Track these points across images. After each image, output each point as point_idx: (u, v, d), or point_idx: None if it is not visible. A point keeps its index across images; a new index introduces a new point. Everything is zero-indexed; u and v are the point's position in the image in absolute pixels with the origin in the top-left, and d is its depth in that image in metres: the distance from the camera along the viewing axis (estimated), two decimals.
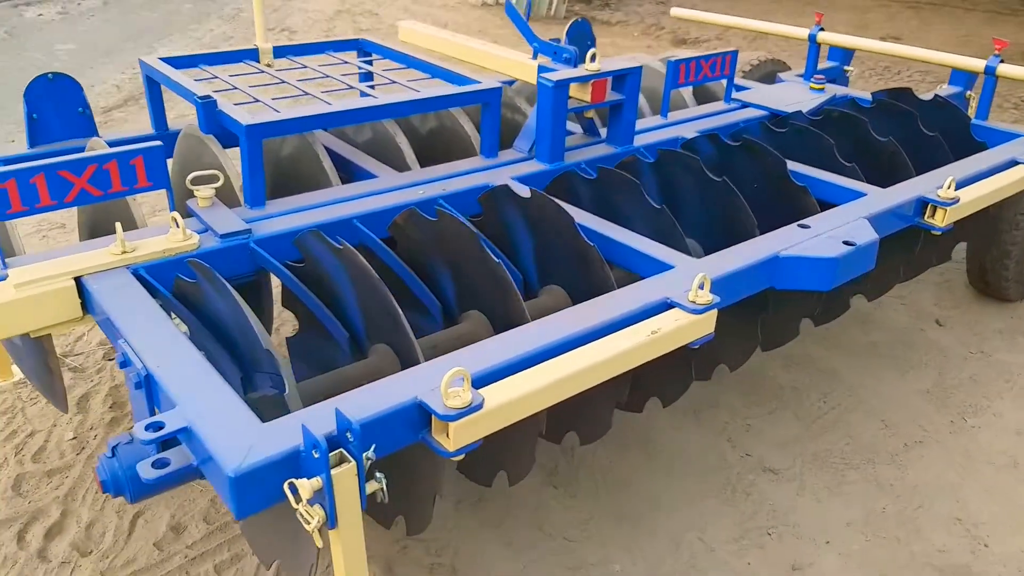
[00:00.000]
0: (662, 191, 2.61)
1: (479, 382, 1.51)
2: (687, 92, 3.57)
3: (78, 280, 1.84)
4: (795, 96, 3.42)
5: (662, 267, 2.03)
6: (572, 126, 2.99)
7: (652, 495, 2.48)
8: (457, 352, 1.61)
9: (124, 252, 1.91)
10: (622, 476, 2.55)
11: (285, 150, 2.70)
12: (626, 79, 2.72)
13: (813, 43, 3.78)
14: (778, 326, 2.64)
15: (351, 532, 1.36)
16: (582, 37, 3.94)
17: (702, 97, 3.70)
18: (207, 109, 2.23)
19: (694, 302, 1.79)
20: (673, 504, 2.45)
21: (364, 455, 1.34)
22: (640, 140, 2.91)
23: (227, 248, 2.05)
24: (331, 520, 1.31)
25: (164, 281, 1.93)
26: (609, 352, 1.63)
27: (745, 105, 3.38)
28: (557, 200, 2.40)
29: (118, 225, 1.91)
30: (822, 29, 3.78)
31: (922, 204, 2.49)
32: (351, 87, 2.66)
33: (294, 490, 1.29)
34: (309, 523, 1.28)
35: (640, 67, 2.75)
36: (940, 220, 2.47)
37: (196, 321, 1.91)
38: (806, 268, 2.08)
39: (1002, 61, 3.45)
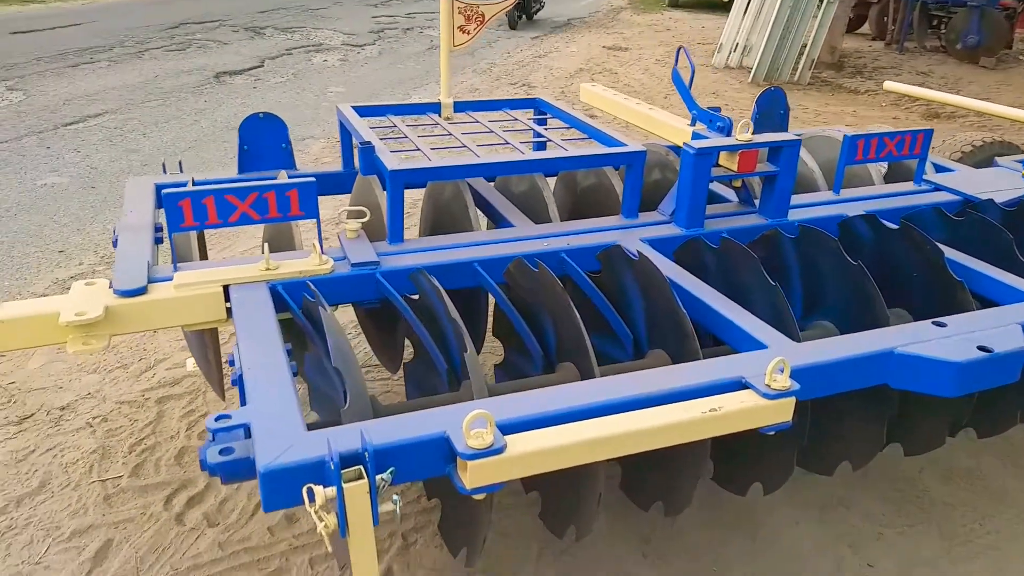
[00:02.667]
0: (803, 269, 2.50)
1: (513, 428, 1.56)
2: (876, 169, 3.36)
3: (226, 288, 2.16)
4: (998, 183, 3.08)
5: (756, 345, 1.96)
6: (730, 193, 2.95)
7: None
8: (500, 398, 1.68)
9: (268, 269, 2.21)
10: (719, 559, 2.43)
11: (446, 194, 2.93)
12: (782, 151, 2.65)
13: None
14: (919, 431, 2.40)
15: (361, 543, 1.47)
16: (774, 105, 3.86)
17: (898, 175, 3.45)
18: (365, 153, 2.51)
19: (769, 386, 1.72)
20: None
21: (378, 476, 1.45)
22: (797, 214, 2.79)
23: (355, 276, 2.28)
24: (342, 529, 1.44)
25: (297, 298, 2.20)
26: (652, 422, 1.61)
27: (937, 188, 3.11)
28: (682, 267, 2.42)
29: (266, 246, 2.22)
30: None
31: None
32: (507, 143, 2.84)
33: (311, 494, 1.43)
34: (318, 525, 1.42)
35: (798, 140, 2.66)
36: None
37: (315, 335, 2.16)
38: (925, 369, 1.89)
39: None
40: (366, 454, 1.45)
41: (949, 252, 2.52)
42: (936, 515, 2.63)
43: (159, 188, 2.87)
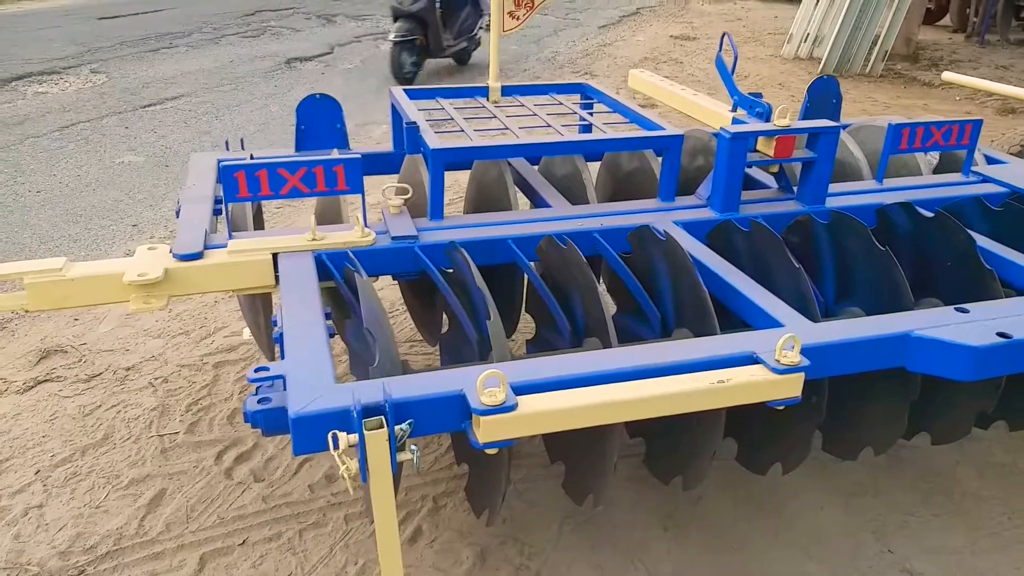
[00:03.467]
0: (835, 255, 2.52)
1: (527, 390, 1.66)
2: (926, 160, 3.32)
3: (275, 256, 2.31)
4: None
5: (773, 323, 2.01)
6: (772, 180, 2.98)
7: (761, 565, 2.39)
8: (515, 362, 1.78)
9: (314, 239, 2.35)
10: (737, 538, 2.48)
11: (489, 175, 3.03)
12: (820, 138, 2.66)
13: None
14: (944, 419, 2.41)
15: (381, 487, 1.59)
16: (826, 93, 3.85)
17: (950, 168, 3.41)
18: (410, 133, 2.63)
19: (779, 361, 1.77)
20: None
21: (397, 427, 1.57)
22: (837, 202, 2.79)
23: (395, 249, 2.40)
24: (363, 474, 1.56)
25: (340, 267, 2.34)
26: (660, 390, 1.68)
27: (985, 180, 3.06)
28: (714, 249, 2.47)
29: (312, 218, 2.36)
30: None
31: None
32: (549, 125, 2.93)
33: (335, 440, 1.55)
34: (341, 468, 1.54)
35: (838, 127, 2.67)
36: None
37: (355, 302, 2.29)
38: (941, 353, 1.91)
39: None
40: (386, 406, 1.57)
41: (985, 242, 2.51)
42: (966, 507, 2.63)
43: (220, 163, 3.05)
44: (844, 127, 3.61)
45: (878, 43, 10.06)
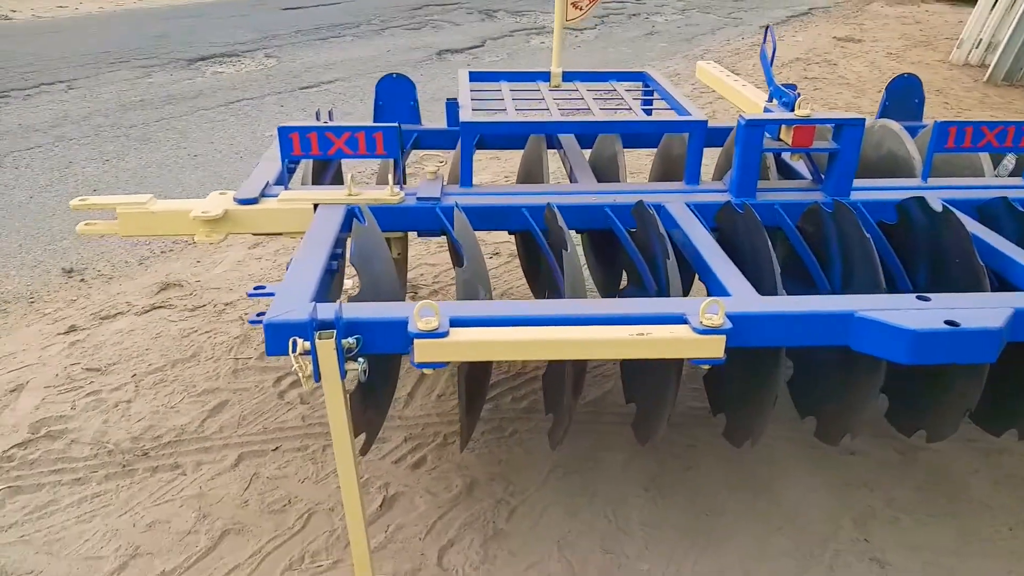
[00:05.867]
0: (840, 244, 2.56)
1: (464, 324, 1.91)
2: (989, 160, 3.22)
3: (316, 206, 2.69)
4: None
5: (723, 292, 2.13)
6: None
7: (726, 532, 2.49)
8: (461, 303, 2.04)
9: (350, 194, 2.71)
10: (715, 505, 2.59)
11: (533, 152, 3.27)
12: (843, 130, 2.69)
13: None
14: (932, 415, 2.40)
15: (332, 390, 1.90)
16: (908, 93, 3.78)
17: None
18: (451, 108, 2.93)
19: (701, 322, 1.91)
20: (745, 543, 2.44)
21: (345, 340, 1.87)
22: (863, 195, 2.81)
23: (418, 208, 2.71)
24: (316, 375, 1.88)
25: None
26: (579, 335, 1.87)
27: None
28: (719, 230, 2.61)
29: (348, 176, 2.72)
30: None
31: None
32: (587, 108, 3.13)
33: (294, 344, 1.88)
34: (295, 367, 1.87)
35: (862, 120, 2.69)
36: None
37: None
38: (880, 334, 1.96)
39: None
40: (337, 322, 1.88)
41: (1002, 243, 2.47)
42: (965, 512, 2.58)
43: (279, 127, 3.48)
44: (921, 127, 3.54)
45: None
